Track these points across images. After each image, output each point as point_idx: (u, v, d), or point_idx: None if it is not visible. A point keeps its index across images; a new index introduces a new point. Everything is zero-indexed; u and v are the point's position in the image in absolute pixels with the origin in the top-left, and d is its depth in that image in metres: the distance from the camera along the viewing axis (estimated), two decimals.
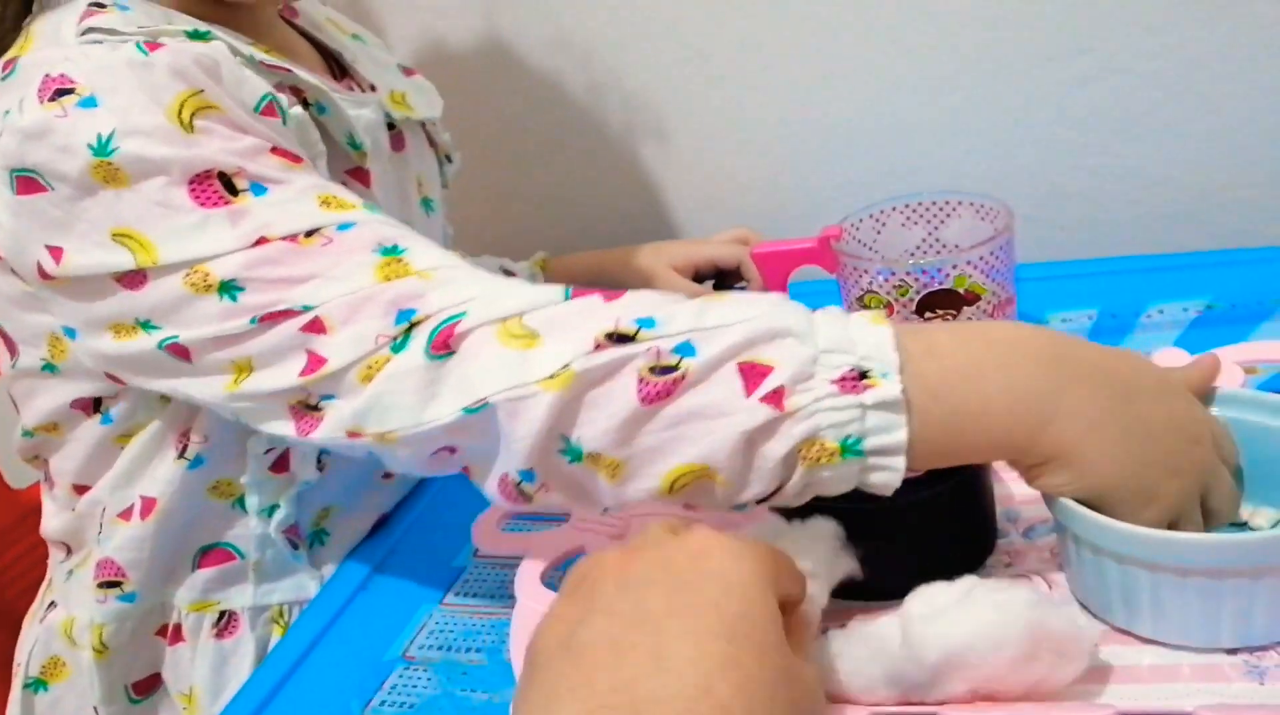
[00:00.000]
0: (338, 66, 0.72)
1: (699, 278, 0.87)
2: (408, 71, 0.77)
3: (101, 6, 0.57)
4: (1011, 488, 0.57)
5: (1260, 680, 0.44)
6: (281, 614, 0.67)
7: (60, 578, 0.69)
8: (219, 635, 0.66)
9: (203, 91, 0.54)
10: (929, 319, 0.67)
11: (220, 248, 0.52)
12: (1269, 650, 0.45)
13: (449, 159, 0.79)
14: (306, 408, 0.52)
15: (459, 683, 0.55)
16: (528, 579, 0.56)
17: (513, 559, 0.60)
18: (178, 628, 0.67)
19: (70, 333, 0.58)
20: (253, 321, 0.51)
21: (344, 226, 0.52)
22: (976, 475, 0.53)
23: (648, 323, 0.47)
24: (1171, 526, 0.47)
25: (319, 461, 0.65)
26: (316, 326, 0.51)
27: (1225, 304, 0.73)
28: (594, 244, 0.97)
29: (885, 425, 0.45)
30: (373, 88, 0.71)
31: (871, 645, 0.44)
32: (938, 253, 0.73)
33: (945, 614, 0.42)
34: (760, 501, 0.47)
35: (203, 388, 0.54)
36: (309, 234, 0.52)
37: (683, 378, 0.46)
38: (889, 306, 0.68)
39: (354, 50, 0.73)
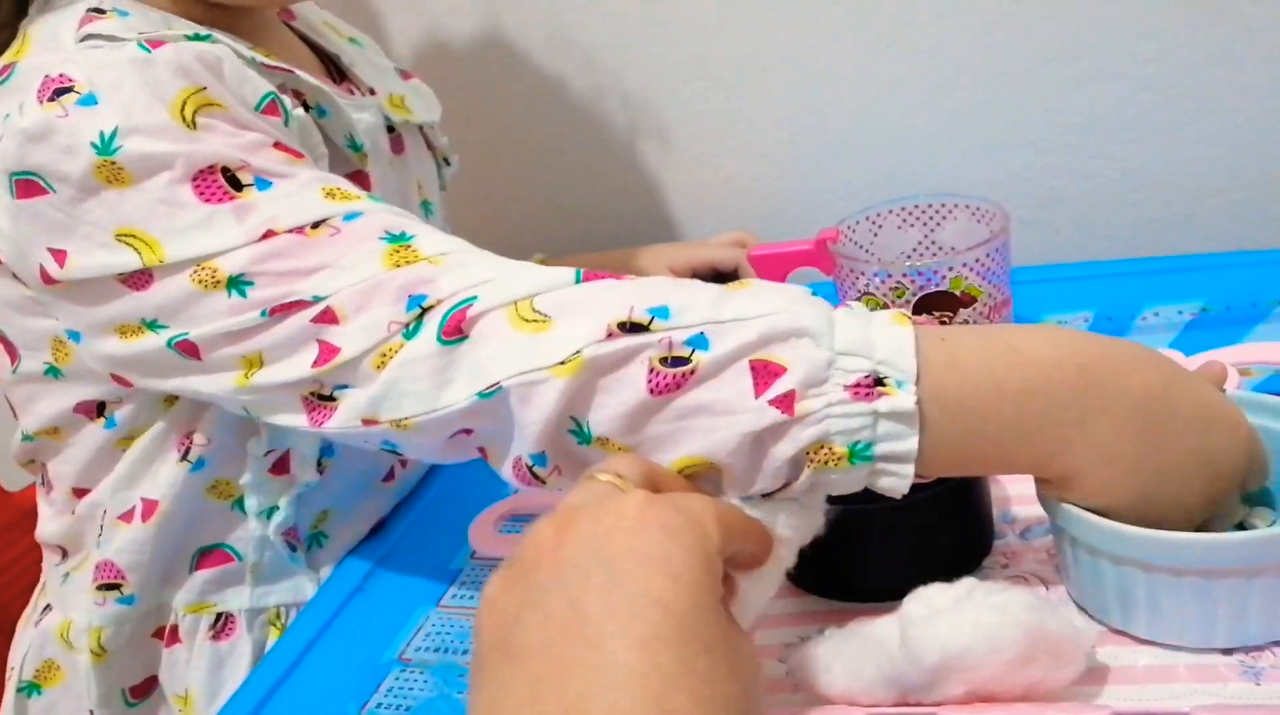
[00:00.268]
0: (336, 70, 0.72)
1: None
2: (405, 75, 0.77)
3: (101, 12, 0.57)
4: (1009, 489, 0.58)
5: (1256, 680, 0.44)
6: (278, 616, 0.67)
7: (56, 581, 0.69)
8: (215, 637, 0.66)
9: (205, 89, 0.54)
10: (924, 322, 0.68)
11: (227, 243, 0.51)
12: (1264, 650, 0.45)
13: (447, 162, 0.79)
14: (319, 398, 0.52)
15: (456, 685, 0.55)
16: None
17: None
18: (174, 630, 0.67)
19: (75, 336, 0.58)
20: (263, 315, 0.51)
21: (350, 216, 0.52)
22: (974, 476, 0.53)
23: (661, 312, 0.46)
24: None
25: (319, 464, 0.65)
26: (328, 317, 0.51)
27: (1220, 306, 0.73)
28: (592, 246, 0.98)
29: (896, 433, 0.44)
30: (371, 91, 0.71)
31: (869, 646, 0.44)
32: (934, 255, 0.73)
33: (944, 616, 0.42)
34: (767, 496, 0.47)
35: (212, 384, 0.54)
36: (316, 225, 0.52)
37: (693, 372, 0.45)
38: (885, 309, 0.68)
39: (352, 54, 0.73)
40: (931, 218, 0.73)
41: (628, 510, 0.38)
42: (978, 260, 0.66)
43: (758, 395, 0.45)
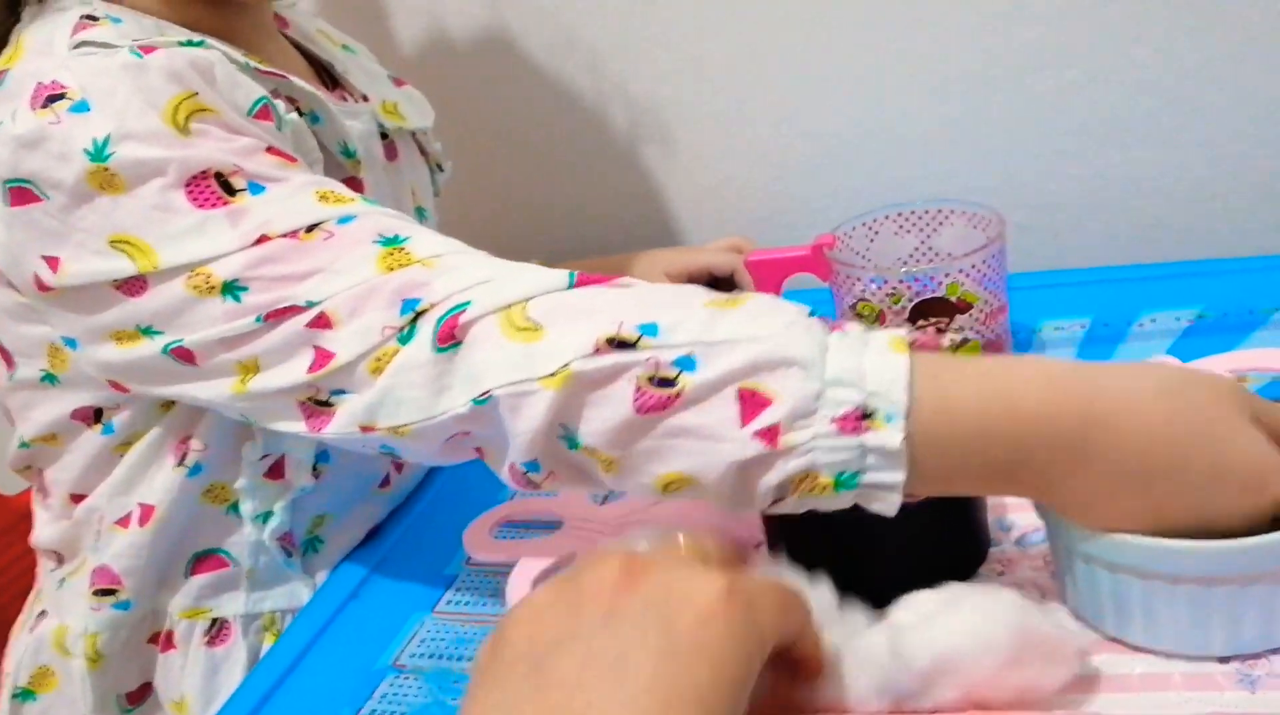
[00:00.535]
0: (329, 77, 0.72)
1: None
2: (398, 82, 0.77)
3: (94, 19, 0.57)
4: (1005, 496, 0.57)
5: (1252, 689, 0.44)
6: (273, 622, 0.67)
7: (51, 586, 0.69)
8: (210, 643, 0.66)
9: (198, 94, 0.54)
10: (921, 327, 0.68)
11: (221, 248, 0.51)
12: (1260, 658, 0.45)
13: (440, 168, 0.79)
14: (317, 404, 0.52)
15: (450, 691, 0.55)
16: (519, 587, 0.56)
17: (504, 566, 0.60)
18: (169, 635, 0.67)
19: (71, 343, 0.58)
20: (258, 320, 0.51)
21: (344, 219, 0.52)
22: None
23: (650, 329, 0.46)
24: None
25: (314, 469, 0.65)
26: (322, 322, 0.50)
27: (1217, 313, 0.73)
28: (589, 251, 0.98)
29: (883, 465, 0.44)
30: (365, 98, 0.71)
31: (859, 656, 0.44)
32: (930, 261, 0.73)
33: (932, 620, 0.42)
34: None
35: (209, 390, 0.54)
36: (310, 229, 0.52)
37: (679, 395, 0.45)
38: (881, 315, 0.68)
39: (345, 61, 0.73)
40: (928, 223, 0.73)
41: (704, 596, 0.37)
42: (974, 266, 0.66)
43: (743, 424, 0.44)
